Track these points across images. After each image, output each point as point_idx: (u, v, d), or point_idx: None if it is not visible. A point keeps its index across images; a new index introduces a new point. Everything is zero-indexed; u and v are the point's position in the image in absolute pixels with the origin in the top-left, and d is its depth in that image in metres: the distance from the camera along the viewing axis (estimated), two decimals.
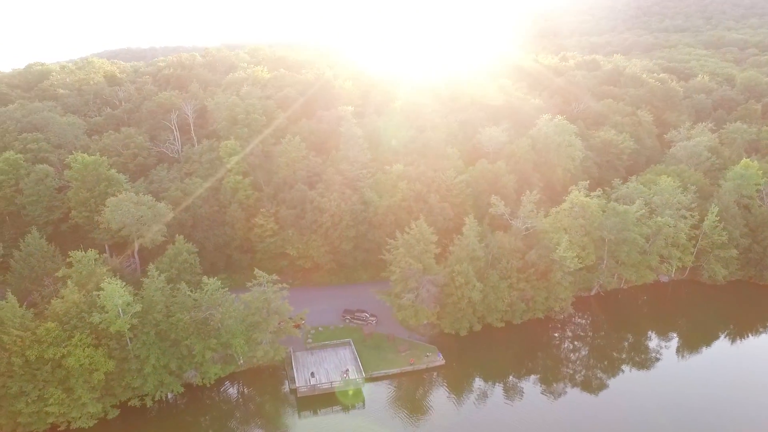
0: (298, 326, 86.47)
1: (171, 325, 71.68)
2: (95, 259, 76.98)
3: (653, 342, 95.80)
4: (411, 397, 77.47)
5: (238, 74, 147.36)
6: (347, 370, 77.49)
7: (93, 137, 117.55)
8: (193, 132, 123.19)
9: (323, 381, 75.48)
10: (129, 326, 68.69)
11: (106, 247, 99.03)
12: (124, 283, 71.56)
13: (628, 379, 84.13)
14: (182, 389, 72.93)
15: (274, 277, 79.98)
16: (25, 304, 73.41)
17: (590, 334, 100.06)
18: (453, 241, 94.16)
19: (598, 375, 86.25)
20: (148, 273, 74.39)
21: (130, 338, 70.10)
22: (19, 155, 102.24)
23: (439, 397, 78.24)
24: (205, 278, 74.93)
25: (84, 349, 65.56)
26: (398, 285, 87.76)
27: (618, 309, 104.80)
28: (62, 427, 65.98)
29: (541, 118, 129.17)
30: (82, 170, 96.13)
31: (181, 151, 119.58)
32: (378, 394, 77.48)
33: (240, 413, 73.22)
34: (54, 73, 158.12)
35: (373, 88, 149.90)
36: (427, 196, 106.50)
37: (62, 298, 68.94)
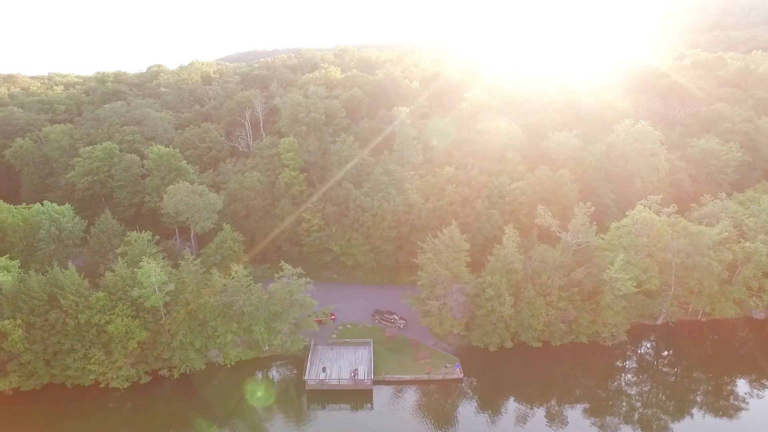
0: (320, 321, 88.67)
1: (200, 306, 77.74)
2: (148, 240, 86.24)
3: (739, 387, 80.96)
4: (420, 407, 75.18)
5: (313, 74, 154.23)
6: (356, 369, 77.59)
7: (178, 131, 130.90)
8: (262, 128, 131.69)
9: (333, 377, 76.42)
10: (163, 303, 76.15)
11: (176, 230, 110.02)
12: (166, 264, 79.63)
13: (700, 427, 72.87)
14: (203, 366, 78.90)
15: (299, 270, 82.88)
16: (85, 275, 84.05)
17: (652, 367, 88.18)
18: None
19: (661, 416, 74.84)
20: (184, 257, 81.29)
21: (164, 314, 77.45)
22: (116, 145, 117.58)
23: (448, 411, 74.82)
24: (233, 266, 79.94)
25: (123, 319, 73.93)
26: (425, 290, 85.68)
27: (692, 344, 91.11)
28: (102, 385, 75.01)
29: (621, 123, 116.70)
30: (157, 160, 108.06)
31: (251, 147, 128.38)
32: (388, 398, 76.49)
33: (251, 397, 76.96)
34: (162, 74, 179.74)
35: (448, 88, 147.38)
36: (475, 201, 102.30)
37: (113, 271, 78.31)
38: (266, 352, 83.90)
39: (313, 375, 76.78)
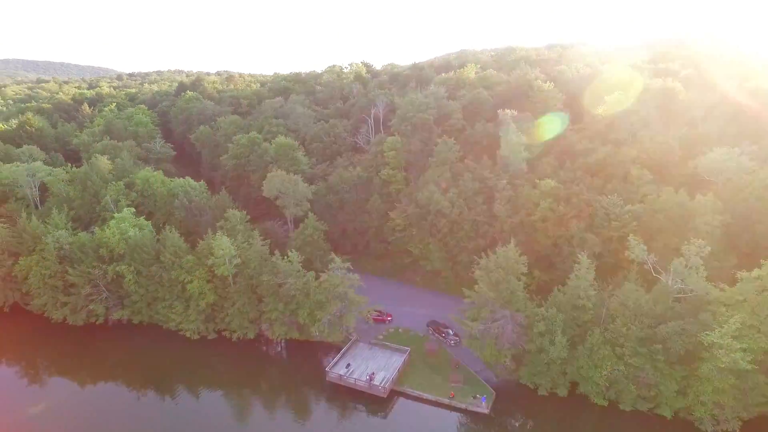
0: (380, 320, 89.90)
1: (259, 281, 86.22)
2: (241, 218, 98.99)
3: None
4: (428, 430, 69.90)
5: (448, 74, 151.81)
6: (372, 373, 75.77)
7: (317, 124, 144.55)
8: (381, 126, 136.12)
9: (353, 376, 76.29)
10: (231, 273, 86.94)
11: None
12: (243, 240, 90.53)
13: None
14: (253, 336, 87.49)
15: (347, 264, 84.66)
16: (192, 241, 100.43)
17: None
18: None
19: None
20: (252, 239, 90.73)
21: (231, 282, 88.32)
22: (260, 135, 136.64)
23: None
24: (290, 252, 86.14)
25: (200, 281, 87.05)
26: (472, 311, 78.34)
27: None
28: (180, 334, 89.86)
29: None
30: (278, 149, 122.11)
31: (371, 143, 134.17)
32: (400, 411, 73.04)
33: (280, 374, 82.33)
34: (327, 73, 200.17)
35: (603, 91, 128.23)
36: (569, 221, 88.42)
37: (204, 241, 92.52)
38: (315, 337, 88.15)
39: (335, 369, 77.97)
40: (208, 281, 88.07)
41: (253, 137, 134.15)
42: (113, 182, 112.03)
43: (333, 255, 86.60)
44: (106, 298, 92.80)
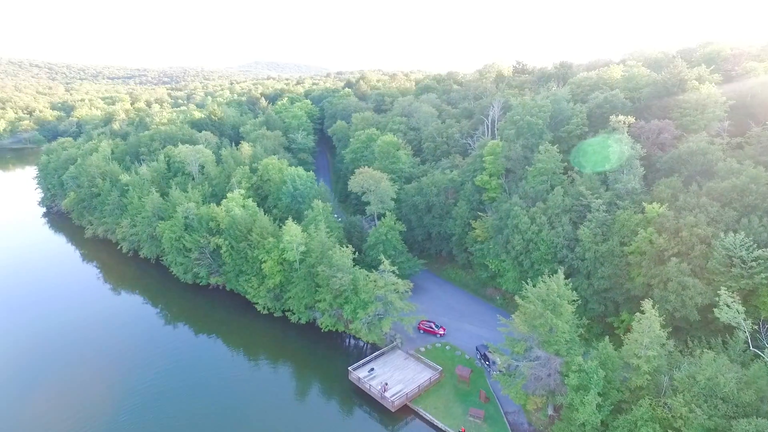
0: (431, 331, 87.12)
1: (316, 271, 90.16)
2: (323, 208, 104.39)
3: None
4: None
5: (588, 73, 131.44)
6: (386, 384, 72.24)
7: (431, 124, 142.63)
8: (495, 128, 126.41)
9: (371, 381, 74.38)
10: (297, 259, 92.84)
11: None
12: (313, 229, 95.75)
13: None
14: (305, 321, 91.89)
15: (394, 269, 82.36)
16: None
17: None
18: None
19: None
20: (318, 230, 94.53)
21: (296, 268, 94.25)
22: (377, 132, 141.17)
23: None
24: (344, 247, 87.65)
25: (273, 262, 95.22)
26: (508, 342, 68.52)
27: None
28: (254, 306, 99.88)
29: None
30: (383, 146, 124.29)
31: None
32: (403, 429, 68.70)
33: (315, 362, 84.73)
34: (465, 74, 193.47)
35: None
36: (669, 259, 70.20)
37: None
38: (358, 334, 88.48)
39: (358, 371, 77.08)
40: (280, 263, 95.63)
41: (370, 133, 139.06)
42: (242, 166, 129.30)
43: (382, 256, 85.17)
44: (209, 264, 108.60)
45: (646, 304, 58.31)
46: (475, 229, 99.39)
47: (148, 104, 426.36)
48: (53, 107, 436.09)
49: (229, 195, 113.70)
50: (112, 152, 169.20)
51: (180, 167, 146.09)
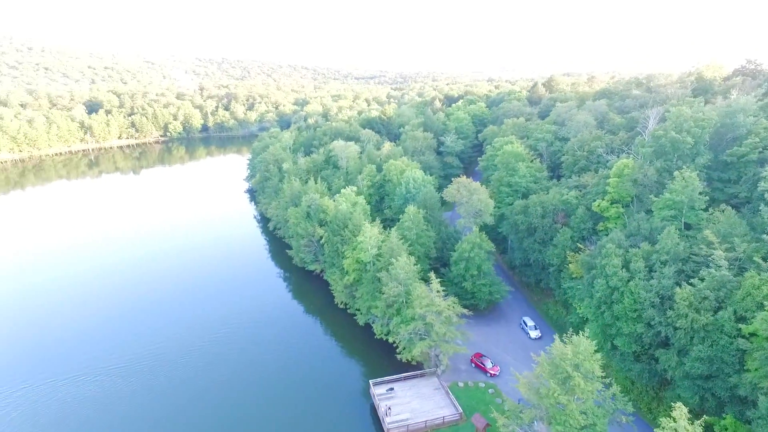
0: (483, 368, 78.65)
1: (379, 276, 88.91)
2: (414, 213, 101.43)
3: None
4: None
5: None
6: (389, 408, 66.65)
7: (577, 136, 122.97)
8: (646, 138, 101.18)
9: (381, 403, 70.23)
10: (371, 261, 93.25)
11: None
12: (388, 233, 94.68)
13: None
14: (362, 323, 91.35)
15: (441, 289, 75.37)
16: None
17: None
18: None
19: None
20: (388, 236, 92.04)
21: (368, 270, 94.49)
22: (511, 140, 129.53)
23: None
24: (404, 258, 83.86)
25: (352, 260, 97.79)
26: (510, 412, 56.16)
27: None
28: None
29: None
30: (503, 157, 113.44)
31: None
32: None
33: (359, 368, 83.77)
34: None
35: None
36: None
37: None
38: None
39: (378, 386, 73.71)
40: (357, 262, 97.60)
41: (504, 141, 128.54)
42: (370, 164, 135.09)
43: (432, 275, 78.78)
44: (315, 251, 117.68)
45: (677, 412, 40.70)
46: (571, 263, 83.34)
47: (368, 102, 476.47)
48: (296, 102, 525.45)
49: (342, 190, 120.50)
50: (294, 143, 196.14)
51: (335, 160, 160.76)
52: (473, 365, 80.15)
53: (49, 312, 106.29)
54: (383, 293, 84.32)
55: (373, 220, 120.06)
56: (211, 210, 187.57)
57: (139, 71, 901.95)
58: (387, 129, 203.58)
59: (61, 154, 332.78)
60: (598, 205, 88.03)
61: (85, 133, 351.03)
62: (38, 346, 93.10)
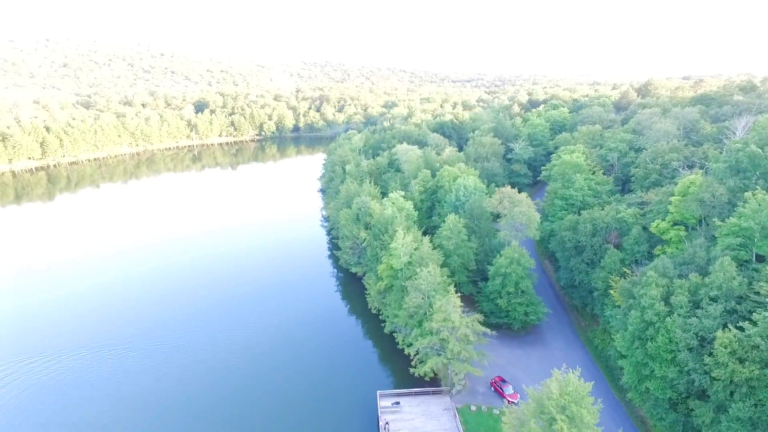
0: (501, 393, 73.34)
1: (408, 284, 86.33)
2: (454, 221, 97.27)
3: None
4: None
5: None
6: (387, 423, 63.78)
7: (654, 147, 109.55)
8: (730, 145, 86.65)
9: (382, 416, 67.81)
10: (403, 269, 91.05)
11: None
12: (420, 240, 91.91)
13: None
14: (388, 331, 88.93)
15: (463, 308, 71.12)
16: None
17: None
18: None
19: None
20: (421, 246, 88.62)
21: (399, 277, 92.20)
22: (582, 148, 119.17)
23: None
24: (430, 268, 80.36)
25: (385, 266, 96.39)
26: None
27: None
28: None
29: None
30: (561, 167, 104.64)
31: None
32: None
33: (377, 375, 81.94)
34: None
35: None
36: None
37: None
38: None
39: (385, 398, 71.42)
40: (390, 268, 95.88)
41: (568, 150, 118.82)
42: (424, 169, 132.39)
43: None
44: (358, 254, 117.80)
45: None
46: (613, 288, 74.37)
47: (453, 105, 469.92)
48: (385, 105, 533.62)
49: (391, 194, 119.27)
50: (364, 145, 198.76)
51: (398, 164, 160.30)
52: (492, 389, 74.69)
53: (135, 293, 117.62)
54: (405, 303, 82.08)
55: (422, 227, 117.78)
56: (284, 207, 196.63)
57: (250, 74, 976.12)
58: (458, 133, 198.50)
59: (169, 149, 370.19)
60: (657, 226, 77.68)
61: (191, 130, 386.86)
62: (118, 320, 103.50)
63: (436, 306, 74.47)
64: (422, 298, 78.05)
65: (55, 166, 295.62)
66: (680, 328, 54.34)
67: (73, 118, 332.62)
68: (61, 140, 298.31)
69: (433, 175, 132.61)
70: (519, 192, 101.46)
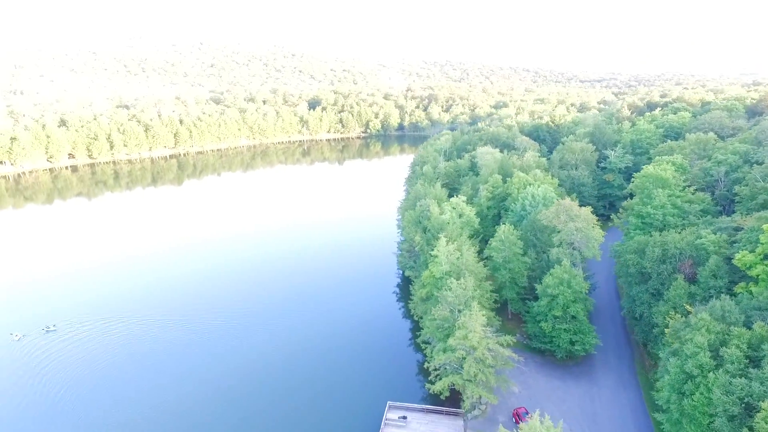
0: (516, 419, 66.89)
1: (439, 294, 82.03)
2: (507, 231, 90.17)
3: None
4: None
5: None
6: None
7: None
8: None
9: (385, 429, 65.11)
10: (443, 277, 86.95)
11: None
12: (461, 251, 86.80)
13: None
14: (420, 341, 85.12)
15: (491, 327, 65.80)
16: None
17: None
18: None
19: None
20: (462, 256, 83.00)
21: (439, 286, 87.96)
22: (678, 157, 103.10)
23: None
24: (463, 280, 75.26)
25: (428, 272, 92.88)
26: None
27: None
28: None
29: None
30: (640, 181, 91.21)
31: None
32: None
33: (400, 385, 79.30)
34: None
35: None
36: None
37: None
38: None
39: (393, 410, 68.60)
40: (432, 276, 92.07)
41: (659, 161, 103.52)
42: (495, 174, 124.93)
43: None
44: (414, 257, 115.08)
45: None
46: (667, 328, 62.80)
47: (567, 108, 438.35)
48: (495, 105, 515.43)
49: (452, 199, 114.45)
50: (451, 146, 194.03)
51: (477, 166, 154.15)
52: (513, 420, 67.84)
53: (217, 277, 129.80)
54: (433, 314, 78.22)
55: (484, 235, 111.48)
56: (369, 205, 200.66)
57: (370, 73, 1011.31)
58: (553, 138, 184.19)
59: (282, 143, 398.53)
60: (741, 258, 63.93)
61: (302, 126, 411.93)
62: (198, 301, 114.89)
63: (459, 321, 69.99)
64: (449, 311, 73.71)
65: (184, 154, 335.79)
66: (722, 389, 43.88)
67: (204, 113, 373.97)
68: (190, 132, 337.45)
69: (505, 181, 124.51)
70: (611, 205, 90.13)
